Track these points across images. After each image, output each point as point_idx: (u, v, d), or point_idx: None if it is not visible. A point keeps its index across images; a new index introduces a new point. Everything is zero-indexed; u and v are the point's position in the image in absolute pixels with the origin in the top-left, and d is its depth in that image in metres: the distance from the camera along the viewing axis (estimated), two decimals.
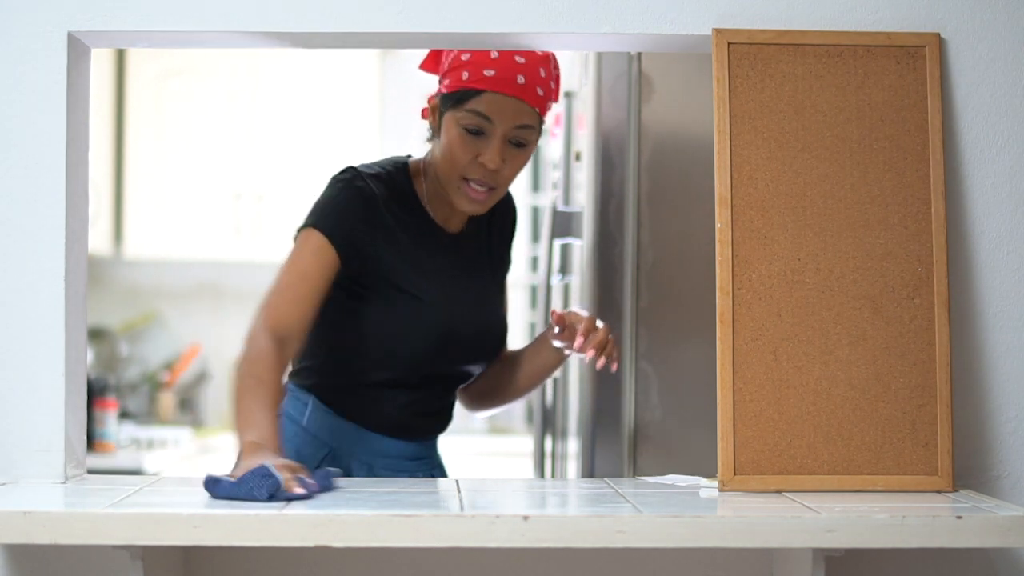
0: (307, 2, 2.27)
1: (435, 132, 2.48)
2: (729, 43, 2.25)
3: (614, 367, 2.47)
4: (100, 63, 5.70)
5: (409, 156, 2.57)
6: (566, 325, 2.47)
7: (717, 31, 2.26)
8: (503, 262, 2.64)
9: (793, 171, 2.23)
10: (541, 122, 2.43)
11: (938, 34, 2.27)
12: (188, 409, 6.14)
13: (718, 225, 2.22)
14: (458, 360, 2.51)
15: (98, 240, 5.75)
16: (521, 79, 2.37)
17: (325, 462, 2.46)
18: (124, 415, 5.81)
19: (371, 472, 2.48)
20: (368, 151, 5.99)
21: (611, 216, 2.98)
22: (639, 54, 2.95)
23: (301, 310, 2.35)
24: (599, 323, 2.46)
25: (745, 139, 2.24)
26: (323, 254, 2.38)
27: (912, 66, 2.26)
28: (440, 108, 2.45)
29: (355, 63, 5.97)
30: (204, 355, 6.20)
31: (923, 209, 2.24)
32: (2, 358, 2.24)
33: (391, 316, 2.43)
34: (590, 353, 2.42)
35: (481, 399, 2.66)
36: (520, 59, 2.38)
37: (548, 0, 2.27)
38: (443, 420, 2.59)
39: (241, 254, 6.00)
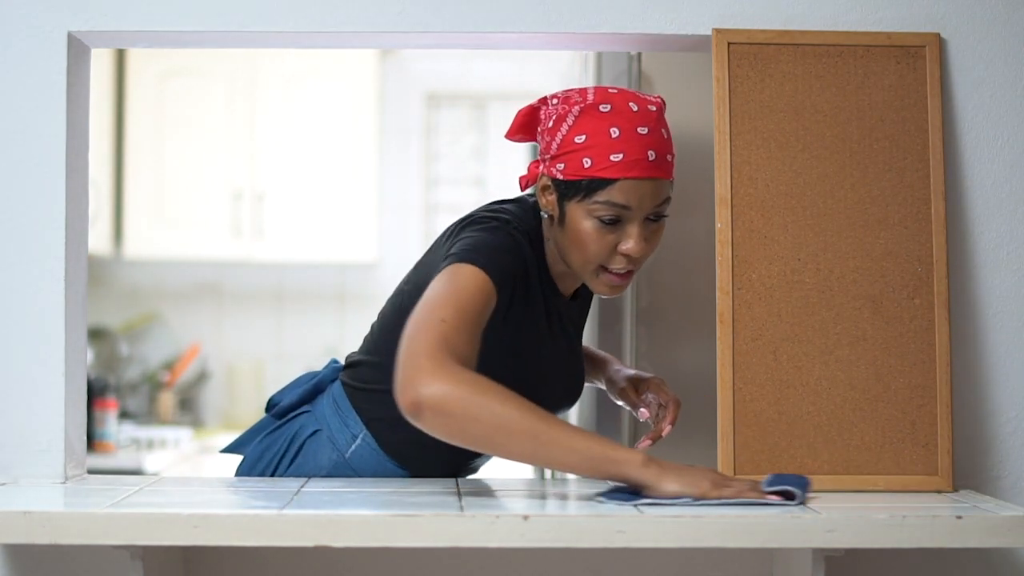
0: (307, 2, 2.27)
1: (553, 216, 2.20)
2: (729, 43, 2.25)
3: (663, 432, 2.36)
4: (100, 63, 5.70)
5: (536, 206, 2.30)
6: (648, 404, 2.39)
7: (717, 31, 2.26)
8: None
9: (793, 171, 2.24)
10: (672, 186, 2.19)
11: (938, 34, 2.27)
12: (188, 409, 6.14)
13: (718, 225, 2.22)
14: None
15: (98, 240, 5.75)
16: (652, 155, 2.12)
17: (334, 473, 2.31)
18: (124, 415, 5.81)
19: None
20: (368, 151, 6.00)
21: None
22: (639, 54, 2.96)
23: (474, 349, 2.04)
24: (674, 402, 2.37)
25: (745, 139, 2.24)
26: (489, 297, 2.10)
27: (912, 66, 2.26)
28: (558, 194, 2.17)
29: (355, 63, 5.97)
30: (204, 355, 6.20)
31: (923, 209, 2.24)
32: (2, 358, 2.24)
33: (492, 370, 2.07)
34: (648, 441, 2.32)
35: None
36: (643, 129, 2.12)
37: (548, 0, 2.27)
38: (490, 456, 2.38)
39: (241, 254, 6.00)
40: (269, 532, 1.88)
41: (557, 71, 4.63)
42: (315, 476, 2.30)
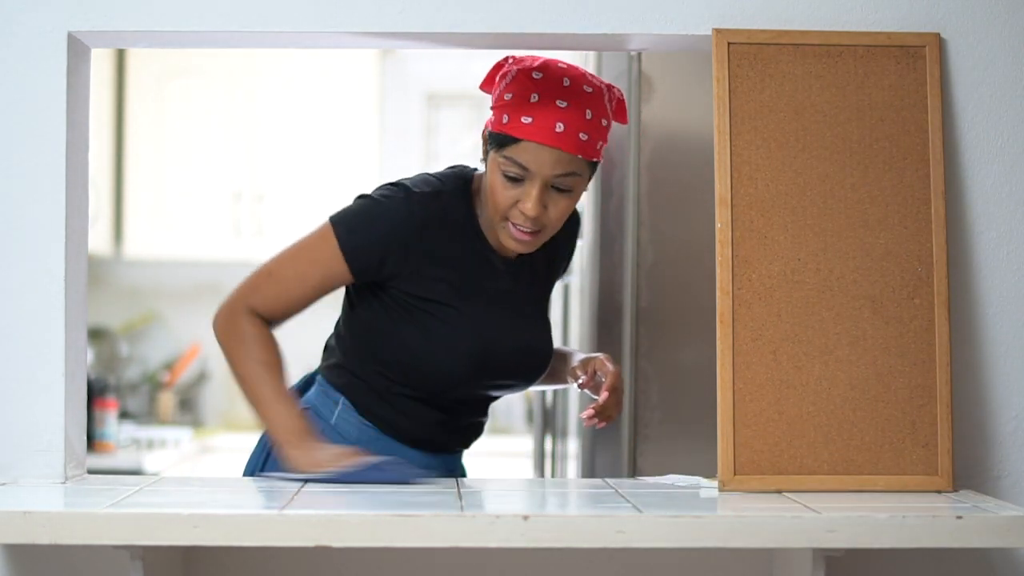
0: (307, 2, 2.26)
1: (484, 162, 2.37)
2: (729, 43, 2.25)
3: (601, 425, 2.41)
4: (100, 63, 5.69)
5: (475, 170, 2.44)
6: (590, 374, 2.43)
7: (717, 31, 2.26)
8: (557, 273, 2.54)
9: (793, 171, 2.23)
10: (591, 165, 2.31)
11: (938, 34, 2.27)
12: (188, 409, 6.14)
13: (718, 225, 2.22)
14: (493, 385, 2.43)
15: (98, 240, 5.75)
16: (560, 127, 2.24)
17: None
18: (124, 415, 5.81)
19: None
20: (368, 151, 6.00)
21: (611, 216, 2.98)
22: (639, 54, 2.96)
23: (284, 310, 2.36)
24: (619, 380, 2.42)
25: (745, 139, 2.24)
26: (333, 266, 2.34)
27: (912, 66, 2.26)
28: (486, 143, 2.34)
29: (355, 63, 5.97)
30: (204, 355, 6.19)
31: (923, 209, 2.24)
32: (2, 358, 2.24)
33: (427, 339, 2.35)
34: (593, 419, 2.38)
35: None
36: (562, 103, 2.25)
37: (548, 0, 2.27)
38: (472, 435, 2.53)
39: (241, 254, 6.00)
40: (269, 532, 1.88)
41: None
42: None
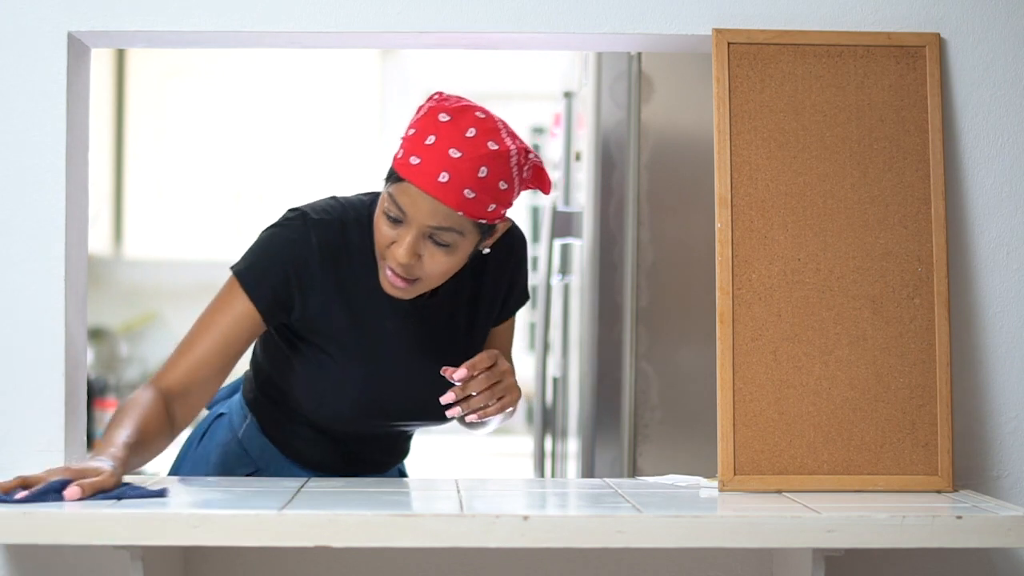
0: (307, 2, 2.27)
1: None
2: (729, 43, 2.25)
3: (470, 417, 2.19)
4: (100, 63, 5.69)
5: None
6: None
7: (717, 31, 2.26)
8: (490, 310, 2.36)
9: (793, 171, 2.23)
10: (479, 226, 2.14)
11: (938, 34, 2.27)
12: None
13: (718, 225, 2.22)
14: (392, 426, 2.33)
15: (98, 240, 5.75)
16: (444, 177, 2.07)
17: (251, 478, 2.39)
18: None
19: None
20: (368, 151, 5.99)
21: (611, 216, 2.98)
22: (639, 54, 2.96)
23: (195, 375, 2.19)
24: (495, 368, 2.19)
25: (745, 139, 2.24)
26: (237, 306, 2.21)
27: (912, 66, 2.26)
28: None
29: (355, 63, 5.97)
30: None
31: (923, 209, 2.24)
32: (2, 358, 2.24)
33: (319, 378, 2.26)
34: (456, 407, 2.17)
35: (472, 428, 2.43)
36: (455, 153, 2.08)
37: (548, 0, 2.27)
38: (384, 465, 2.43)
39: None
40: (269, 532, 1.88)
41: (557, 71, 4.63)
42: (212, 453, 2.45)
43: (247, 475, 2.40)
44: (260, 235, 2.27)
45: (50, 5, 2.25)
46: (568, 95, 3.65)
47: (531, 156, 2.17)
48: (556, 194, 3.70)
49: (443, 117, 2.11)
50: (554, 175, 3.96)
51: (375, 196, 2.28)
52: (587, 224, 3.04)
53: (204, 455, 2.47)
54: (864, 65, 2.26)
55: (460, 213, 2.09)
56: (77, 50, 2.30)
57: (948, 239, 2.25)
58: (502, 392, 2.18)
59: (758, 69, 2.25)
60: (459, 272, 2.23)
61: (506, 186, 2.12)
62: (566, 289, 3.77)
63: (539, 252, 3.60)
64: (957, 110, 2.28)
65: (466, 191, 2.08)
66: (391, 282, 2.16)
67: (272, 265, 2.22)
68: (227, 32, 2.29)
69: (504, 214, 2.18)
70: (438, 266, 2.14)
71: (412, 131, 2.13)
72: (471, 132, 2.10)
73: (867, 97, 2.25)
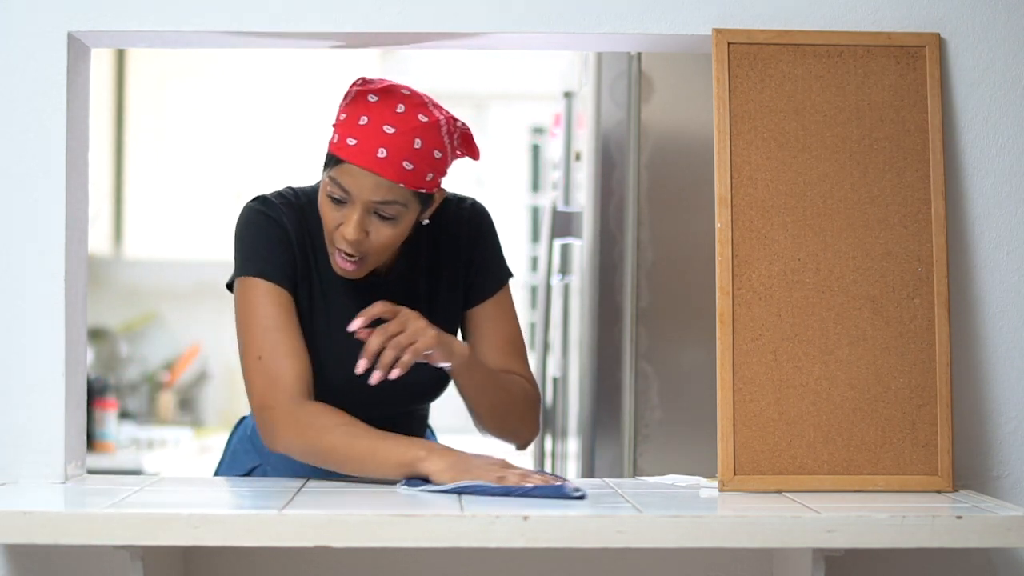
0: (307, 2, 2.27)
1: None
2: (729, 43, 2.25)
3: (392, 373, 2.19)
4: (100, 63, 5.69)
5: None
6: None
7: (717, 31, 2.26)
8: (453, 289, 2.38)
9: (793, 171, 2.23)
10: (419, 196, 2.23)
11: (938, 34, 2.27)
12: (188, 409, 6.14)
13: (718, 225, 2.22)
14: (374, 404, 2.28)
15: (98, 240, 5.75)
16: (382, 152, 2.17)
17: (255, 472, 2.42)
18: (124, 415, 5.81)
19: None
20: None
21: (611, 216, 2.98)
22: (639, 54, 2.96)
23: (297, 357, 2.23)
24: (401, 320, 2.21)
25: (745, 139, 2.24)
26: (272, 296, 2.26)
27: (912, 66, 2.26)
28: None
29: (355, 63, 5.97)
30: (204, 355, 6.20)
31: (923, 209, 2.24)
32: (2, 358, 2.24)
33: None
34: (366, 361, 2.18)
35: (484, 431, 2.43)
36: (389, 128, 2.18)
37: (548, 0, 2.27)
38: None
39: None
40: (269, 532, 1.88)
41: (557, 71, 4.63)
42: (230, 451, 2.49)
43: (252, 467, 2.43)
44: (244, 232, 2.35)
45: (50, 5, 2.25)
46: (568, 95, 3.65)
47: (459, 124, 2.28)
48: (556, 194, 3.70)
49: (371, 98, 2.22)
50: (554, 175, 3.96)
51: (318, 187, 2.34)
52: (587, 224, 3.04)
53: (228, 457, 2.52)
54: (864, 65, 2.26)
55: (401, 185, 2.19)
56: (77, 50, 2.29)
57: (948, 239, 2.25)
58: (410, 339, 2.19)
59: (758, 69, 2.25)
60: (413, 245, 2.33)
61: (440, 155, 2.23)
62: (566, 289, 3.77)
63: (539, 252, 3.60)
64: (957, 110, 2.28)
65: (404, 163, 2.19)
66: (341, 265, 2.25)
67: (275, 247, 2.30)
68: (227, 32, 2.29)
69: (440, 183, 2.27)
70: (384, 239, 2.23)
71: (343, 116, 2.24)
72: (400, 108, 2.21)
73: (867, 97, 2.25)
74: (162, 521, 1.87)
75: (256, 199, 2.36)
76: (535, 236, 6.20)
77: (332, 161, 2.23)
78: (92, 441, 5.24)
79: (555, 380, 3.84)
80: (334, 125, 2.26)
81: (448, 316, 2.37)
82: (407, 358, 2.18)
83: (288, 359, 2.22)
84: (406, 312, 2.21)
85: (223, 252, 6.61)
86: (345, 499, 2.09)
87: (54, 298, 2.24)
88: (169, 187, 5.95)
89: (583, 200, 3.14)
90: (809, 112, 2.25)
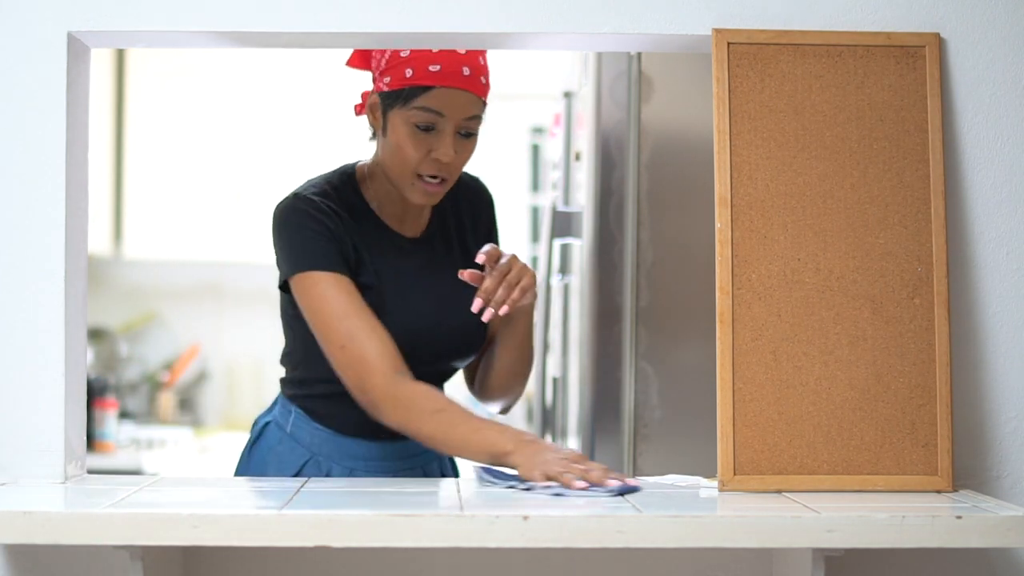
0: (307, 2, 2.27)
1: (378, 131, 2.48)
2: (729, 43, 2.25)
3: (502, 311, 2.32)
4: (100, 63, 5.70)
5: (357, 162, 2.56)
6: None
7: (717, 31, 2.26)
8: (477, 248, 2.48)
9: (793, 171, 2.24)
10: (485, 109, 2.43)
11: (938, 34, 2.27)
12: (188, 409, 6.15)
13: (718, 225, 2.22)
14: (430, 361, 2.44)
15: (98, 240, 5.75)
16: (466, 70, 2.37)
17: (307, 467, 2.48)
18: (124, 415, 5.81)
19: (352, 476, 2.47)
20: (368, 151, 5.99)
21: (611, 216, 2.98)
22: (639, 54, 2.96)
23: (379, 334, 2.32)
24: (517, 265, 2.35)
25: (745, 139, 2.24)
26: (338, 284, 2.35)
27: (912, 66, 2.26)
28: (383, 106, 2.43)
29: None
30: (204, 355, 6.20)
31: (923, 209, 2.24)
32: (2, 358, 2.24)
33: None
34: (482, 302, 2.32)
35: (483, 391, 2.59)
36: (460, 51, 2.38)
37: (548, 0, 2.27)
38: None
39: (241, 254, 6.00)
40: (269, 532, 1.88)
41: (557, 71, 4.63)
42: (266, 457, 2.52)
43: (303, 464, 2.48)
44: (280, 234, 2.43)
45: (50, 5, 2.25)
46: (568, 95, 3.65)
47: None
48: (556, 194, 3.70)
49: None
50: (554, 175, 3.96)
51: (343, 166, 2.55)
52: (587, 224, 3.04)
53: (259, 463, 2.54)
54: (864, 65, 2.26)
55: (484, 99, 2.41)
56: (77, 50, 2.30)
57: (948, 239, 2.25)
58: (517, 276, 2.34)
59: (758, 69, 2.25)
60: (439, 208, 2.50)
61: (487, 78, 2.43)
62: (566, 289, 3.77)
63: (539, 252, 3.60)
64: (957, 110, 2.28)
65: (481, 78, 2.40)
66: (427, 191, 2.39)
67: (318, 236, 2.38)
68: (227, 32, 2.29)
69: None
70: (466, 157, 2.41)
71: (406, 52, 2.38)
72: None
73: (867, 97, 2.25)
74: (162, 521, 1.88)
75: (286, 197, 2.45)
76: (535, 236, 6.20)
77: (415, 92, 2.36)
78: (92, 441, 5.24)
79: (555, 380, 3.84)
80: (392, 67, 2.38)
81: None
82: (516, 295, 2.33)
83: (370, 341, 2.31)
84: (512, 255, 2.36)
85: (223, 252, 6.63)
86: (345, 499, 2.09)
87: (54, 298, 2.24)
88: (169, 187, 5.96)
89: (583, 200, 3.13)
90: (809, 112, 2.25)
